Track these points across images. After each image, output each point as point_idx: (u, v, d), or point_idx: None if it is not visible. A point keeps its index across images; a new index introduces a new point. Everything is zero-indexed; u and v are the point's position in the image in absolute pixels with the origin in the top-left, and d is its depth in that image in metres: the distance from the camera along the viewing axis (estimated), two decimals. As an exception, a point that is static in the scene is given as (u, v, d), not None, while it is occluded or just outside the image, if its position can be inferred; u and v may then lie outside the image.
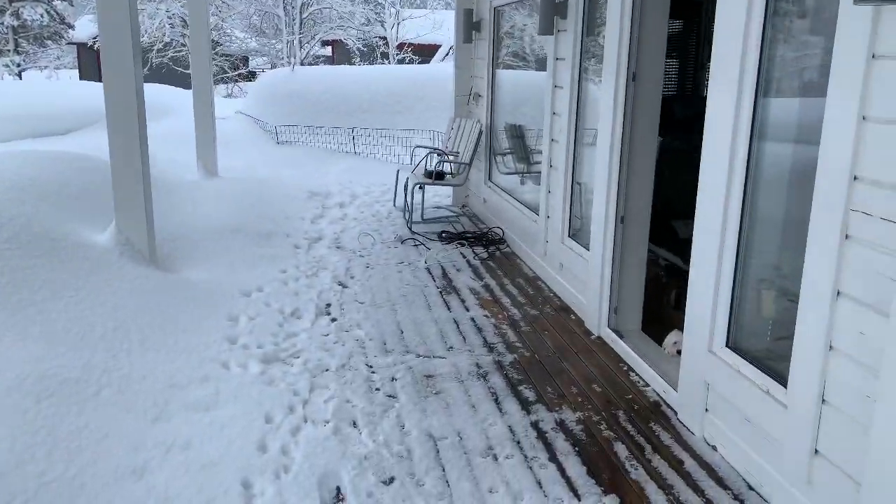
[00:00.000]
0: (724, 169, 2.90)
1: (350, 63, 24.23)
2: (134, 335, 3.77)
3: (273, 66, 23.81)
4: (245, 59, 27.36)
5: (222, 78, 24.42)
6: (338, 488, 2.84)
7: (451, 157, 7.00)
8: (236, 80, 24.90)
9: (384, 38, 24.37)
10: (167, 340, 3.87)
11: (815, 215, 2.40)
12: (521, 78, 6.56)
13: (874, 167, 2.17)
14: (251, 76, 26.37)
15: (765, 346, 2.92)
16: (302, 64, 21.63)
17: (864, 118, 2.19)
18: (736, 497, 2.79)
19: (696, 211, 3.11)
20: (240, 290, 4.85)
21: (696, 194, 5.29)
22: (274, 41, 24.62)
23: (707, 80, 7.08)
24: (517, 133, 6.46)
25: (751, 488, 2.84)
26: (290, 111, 11.08)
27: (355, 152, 10.53)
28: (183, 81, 16.52)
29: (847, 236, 2.28)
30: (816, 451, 2.47)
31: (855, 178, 2.24)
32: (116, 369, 3.37)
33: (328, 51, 28.48)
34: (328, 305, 4.79)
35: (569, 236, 4.78)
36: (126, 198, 4.73)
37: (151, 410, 3.18)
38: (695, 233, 3.14)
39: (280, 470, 2.92)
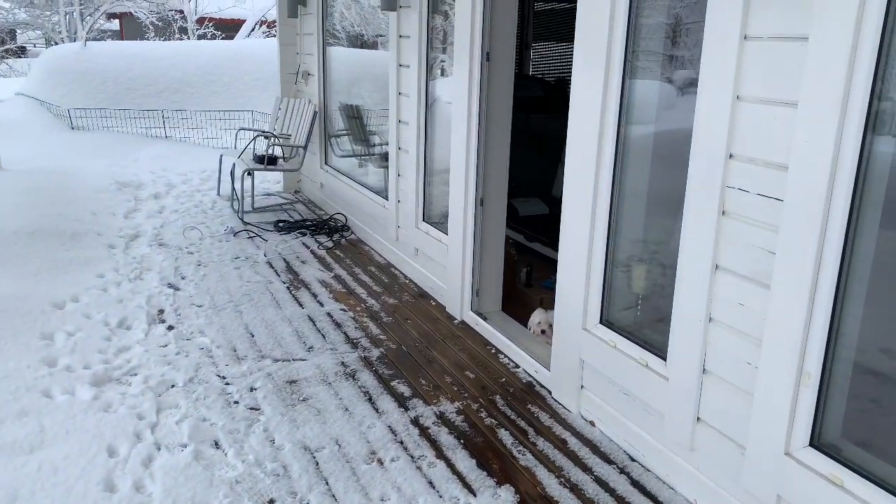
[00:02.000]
0: (592, 149, 2.91)
1: (143, 39, 22.08)
2: (-81, 370, 3.06)
3: (49, 42, 21.09)
4: (12, 33, 23.93)
5: (-14, 54, 21.20)
6: (210, 523, 2.50)
7: (281, 140, 6.56)
8: (4, 57, 21.71)
9: (181, 12, 22.53)
10: (-35, 372, 3.20)
11: (690, 193, 2.47)
12: (357, 56, 6.28)
13: (749, 145, 2.25)
14: (21, 52, 23.15)
15: (641, 322, 3.00)
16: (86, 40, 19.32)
17: (738, 97, 2.26)
18: (621, 470, 2.86)
19: (565, 190, 3.11)
20: (50, 303, 4.17)
21: (531, 173, 5.44)
22: (48, 13, 21.73)
23: (532, 60, 7.31)
24: (354, 113, 6.19)
25: (633, 459, 2.92)
26: (84, 92, 9.80)
27: (167, 137, 9.58)
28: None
29: (724, 212, 2.37)
30: (699, 418, 2.57)
31: (731, 155, 2.31)
32: None
33: (116, 25, 25.79)
34: (161, 312, 4.26)
35: (423, 220, 4.66)
36: None
37: (-42, 463, 2.58)
38: (563, 212, 3.14)
39: (137, 512, 2.51)
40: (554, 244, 3.23)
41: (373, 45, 6.07)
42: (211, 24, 22.27)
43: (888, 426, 2.12)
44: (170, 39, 22.03)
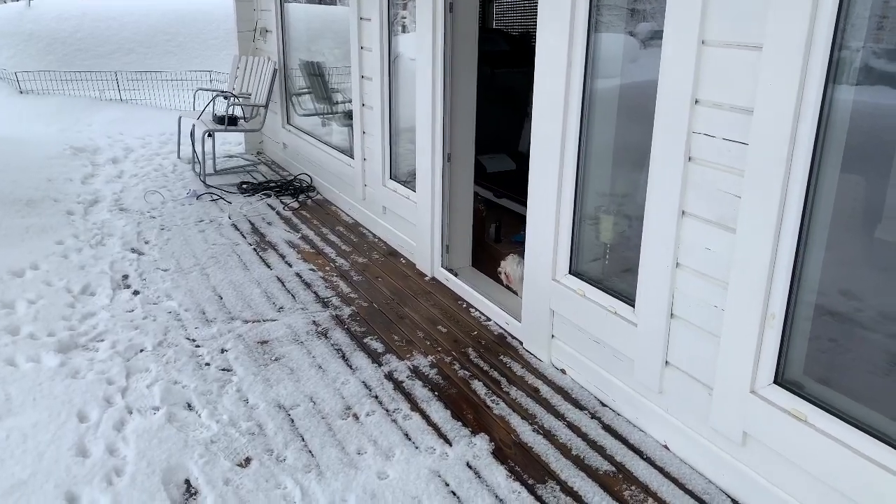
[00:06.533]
0: (559, 103, 2.90)
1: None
2: None
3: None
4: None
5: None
6: (187, 481, 2.50)
7: (240, 100, 6.41)
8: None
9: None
10: (-76, 343, 3.11)
11: (657, 140, 2.48)
12: (316, 11, 6.12)
13: (714, 90, 2.26)
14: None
15: (610, 271, 3.04)
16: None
17: (703, 42, 2.26)
18: (593, 415, 2.92)
19: (532, 144, 3.10)
20: (9, 271, 4.07)
21: (498, 129, 5.40)
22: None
23: (496, 13, 7.20)
24: (315, 71, 6.06)
25: (604, 405, 2.99)
26: (31, 55, 9.41)
27: (122, 99, 9.28)
28: None
29: (690, 158, 2.39)
30: (667, 362, 2.63)
31: (696, 101, 2.32)
32: None
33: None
34: (125, 277, 4.19)
35: (390, 178, 4.62)
36: None
37: (-77, 434, 2.53)
38: (532, 164, 3.14)
39: (111, 474, 2.50)
40: (522, 200, 3.23)
41: (332, 2, 5.92)
42: (162, -17, 21.46)
43: (847, 363, 2.19)
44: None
